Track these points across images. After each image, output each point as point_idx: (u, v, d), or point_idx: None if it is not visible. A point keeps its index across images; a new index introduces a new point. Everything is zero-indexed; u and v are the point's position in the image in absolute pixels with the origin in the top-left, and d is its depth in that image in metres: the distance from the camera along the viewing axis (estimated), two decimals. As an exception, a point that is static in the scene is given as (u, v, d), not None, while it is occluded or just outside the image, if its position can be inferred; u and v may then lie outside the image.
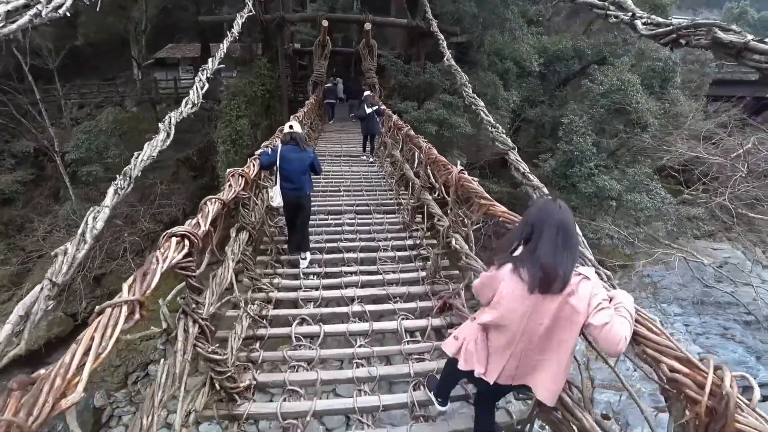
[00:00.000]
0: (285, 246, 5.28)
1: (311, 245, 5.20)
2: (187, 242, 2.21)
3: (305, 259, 4.99)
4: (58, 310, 16.72)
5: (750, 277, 15.20)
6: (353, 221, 6.13)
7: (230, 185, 3.54)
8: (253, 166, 4.29)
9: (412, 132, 6.40)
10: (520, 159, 4.03)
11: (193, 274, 2.47)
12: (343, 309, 4.14)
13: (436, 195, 5.23)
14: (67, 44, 18.28)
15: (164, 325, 3.16)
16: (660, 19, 2.44)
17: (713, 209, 14.84)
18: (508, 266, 1.82)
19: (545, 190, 3.49)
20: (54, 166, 18.16)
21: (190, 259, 2.35)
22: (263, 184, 5.10)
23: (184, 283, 2.46)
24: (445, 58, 6.96)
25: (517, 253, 1.88)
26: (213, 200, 2.95)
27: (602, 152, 13.53)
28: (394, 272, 4.85)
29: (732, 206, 11.13)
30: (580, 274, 1.75)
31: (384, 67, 14.51)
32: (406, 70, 14.02)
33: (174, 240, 2.15)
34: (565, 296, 1.71)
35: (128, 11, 16.93)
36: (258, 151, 4.66)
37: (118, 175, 3.02)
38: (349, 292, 4.37)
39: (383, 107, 9.77)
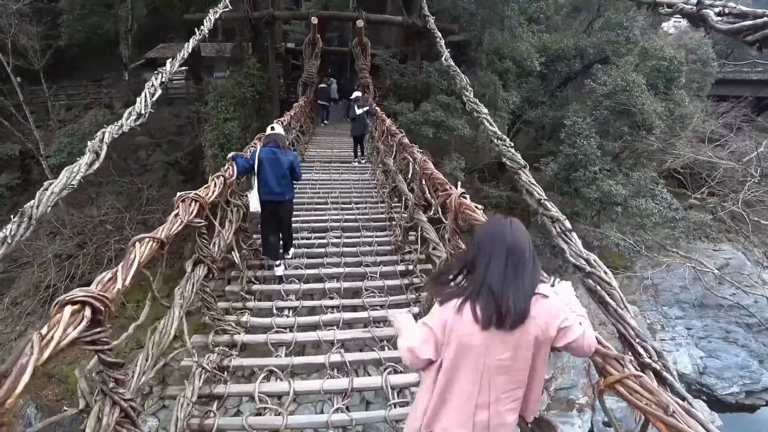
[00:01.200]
0: (258, 273, 4.57)
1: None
2: (88, 312, 1.59)
3: (279, 266, 4.66)
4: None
5: (752, 280, 14.63)
6: (339, 240, 5.40)
7: (177, 215, 2.82)
8: (215, 184, 3.58)
9: (406, 140, 5.66)
10: (533, 182, 3.30)
11: (105, 347, 1.78)
12: (320, 359, 3.42)
13: (432, 213, 4.53)
14: (53, 44, 17.42)
15: (82, 404, 2.43)
16: (744, 8, 1.69)
17: (721, 214, 14.20)
18: (454, 302, 1.52)
19: (566, 223, 2.76)
20: (41, 169, 17.39)
21: (98, 330, 1.69)
22: (235, 201, 4.37)
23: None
24: (443, 58, 6.24)
25: (460, 283, 1.61)
26: (145, 241, 2.24)
27: (606, 155, 12.80)
28: (381, 306, 4.13)
29: (744, 212, 10.44)
30: (535, 294, 1.49)
31: (379, 66, 13.77)
32: (401, 70, 13.25)
33: (68, 310, 1.53)
34: (524, 327, 1.46)
35: (114, 9, 16.10)
36: (230, 154, 4.29)
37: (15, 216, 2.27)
38: (328, 335, 3.65)
39: (375, 108, 9.04)
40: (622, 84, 12.88)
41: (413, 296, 4.26)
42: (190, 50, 4.62)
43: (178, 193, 3.05)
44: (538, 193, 3.23)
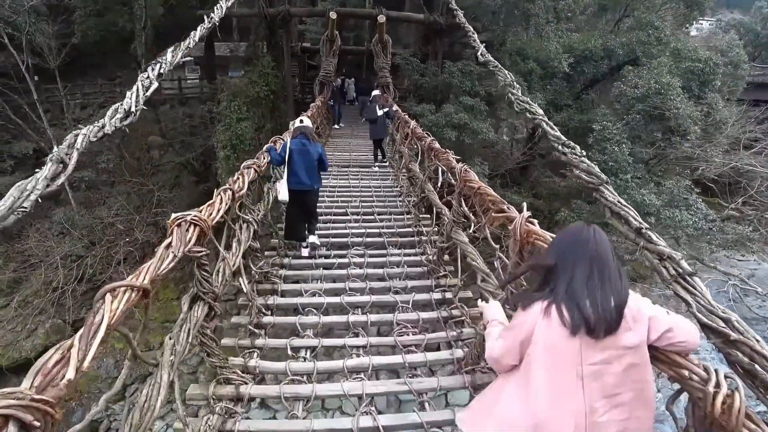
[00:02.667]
0: (270, 300, 3.85)
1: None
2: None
3: (306, 247, 4.86)
4: (55, 318, 15.73)
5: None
6: (362, 260, 4.63)
7: (168, 246, 2.11)
8: (222, 200, 2.85)
9: (436, 144, 4.87)
10: (625, 203, 2.51)
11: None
12: (345, 423, 2.66)
13: (471, 231, 3.76)
14: (68, 43, 16.97)
15: None
16: None
17: (757, 226, 13.15)
18: (539, 305, 1.46)
19: (684, 263, 1.97)
20: (54, 168, 16.95)
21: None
22: (245, 216, 3.67)
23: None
24: (478, 53, 5.43)
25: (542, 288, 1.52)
26: (120, 292, 1.54)
27: (639, 163, 11.85)
28: (417, 346, 3.37)
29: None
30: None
31: (398, 66, 12.98)
32: (422, 70, 12.44)
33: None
34: (620, 336, 1.37)
35: (127, 7, 15.53)
36: (265, 146, 4.47)
37: None
38: (354, 388, 2.89)
39: (395, 109, 8.26)
40: (655, 87, 11.92)
41: (454, 333, 3.49)
42: (197, 40, 3.91)
43: (173, 215, 2.33)
44: (635, 218, 2.44)
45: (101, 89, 18.58)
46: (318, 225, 5.21)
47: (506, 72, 4.76)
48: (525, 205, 2.52)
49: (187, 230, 2.27)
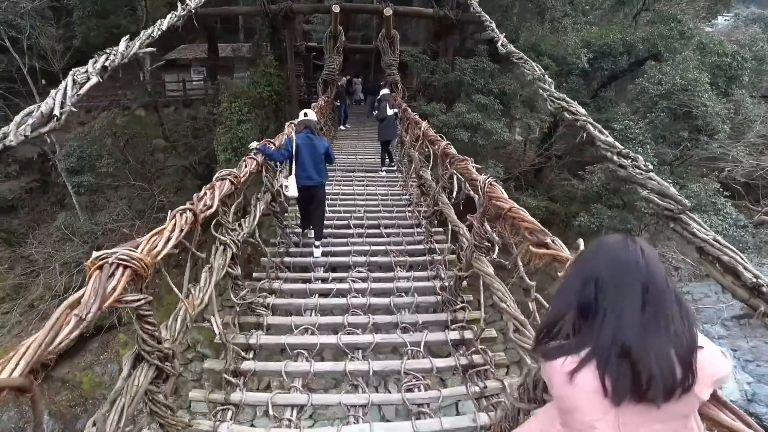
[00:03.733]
0: (252, 339, 3.14)
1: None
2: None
3: (318, 247, 4.62)
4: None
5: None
6: (365, 286, 3.90)
7: (62, 320, 1.42)
8: (176, 225, 2.14)
9: (452, 149, 4.10)
10: (724, 242, 1.74)
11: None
12: None
13: (494, 256, 3.03)
14: (71, 45, 16.51)
15: None
16: None
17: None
18: (560, 362, 1.02)
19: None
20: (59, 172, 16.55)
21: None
22: (222, 237, 2.97)
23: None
24: (499, 44, 4.67)
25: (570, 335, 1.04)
26: None
27: (664, 164, 10.94)
28: (431, 407, 2.63)
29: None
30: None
31: (406, 64, 12.21)
32: (432, 68, 11.63)
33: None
34: (680, 401, 0.95)
35: (133, 8, 14.98)
36: (252, 144, 4.17)
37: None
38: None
39: (405, 107, 7.50)
40: (681, 83, 11.00)
41: (477, 389, 2.73)
42: (163, 28, 3.22)
43: (94, 253, 1.64)
44: (745, 266, 1.67)
45: (106, 92, 18.10)
46: (309, 260, 4.72)
47: (533, 64, 3.98)
48: (581, 243, 1.75)
49: (111, 275, 1.57)
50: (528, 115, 11.21)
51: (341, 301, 3.66)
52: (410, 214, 5.56)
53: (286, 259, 4.35)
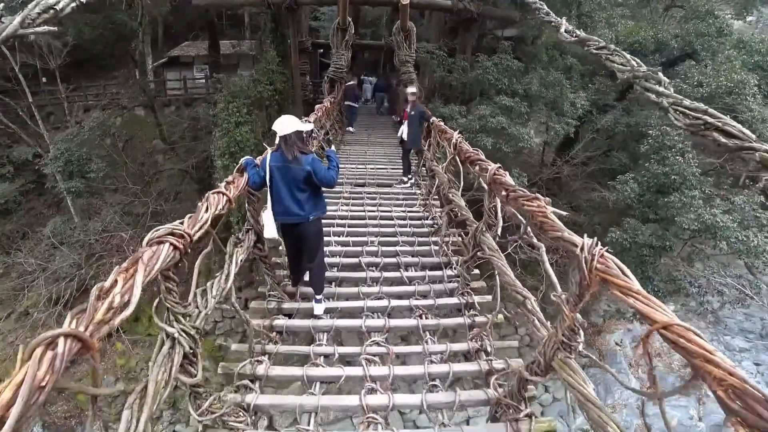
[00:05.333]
0: None
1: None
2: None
3: (320, 301, 3.37)
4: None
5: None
6: (385, 372, 2.68)
7: None
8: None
9: (508, 178, 2.83)
10: None
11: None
12: None
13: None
14: (68, 42, 15.39)
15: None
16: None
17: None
18: None
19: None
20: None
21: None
22: (169, 328, 1.77)
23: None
24: (562, 30, 3.43)
25: None
26: None
27: (708, 176, 9.63)
28: None
29: None
30: None
31: (417, 64, 10.91)
32: (449, 66, 10.32)
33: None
34: None
35: (129, 3, 13.80)
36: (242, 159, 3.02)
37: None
38: None
39: (428, 113, 6.21)
40: (727, 85, 9.66)
41: None
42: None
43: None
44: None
45: (105, 91, 16.99)
46: (326, 277, 3.57)
47: (627, 55, 2.72)
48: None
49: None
50: (553, 118, 9.90)
51: (352, 402, 2.44)
52: (436, 248, 4.32)
53: (277, 322, 3.14)
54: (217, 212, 2.18)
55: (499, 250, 3.01)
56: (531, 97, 10.80)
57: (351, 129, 10.58)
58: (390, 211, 5.36)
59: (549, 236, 2.14)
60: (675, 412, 12.41)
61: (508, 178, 2.80)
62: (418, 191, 6.15)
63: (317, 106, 6.50)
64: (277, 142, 3.14)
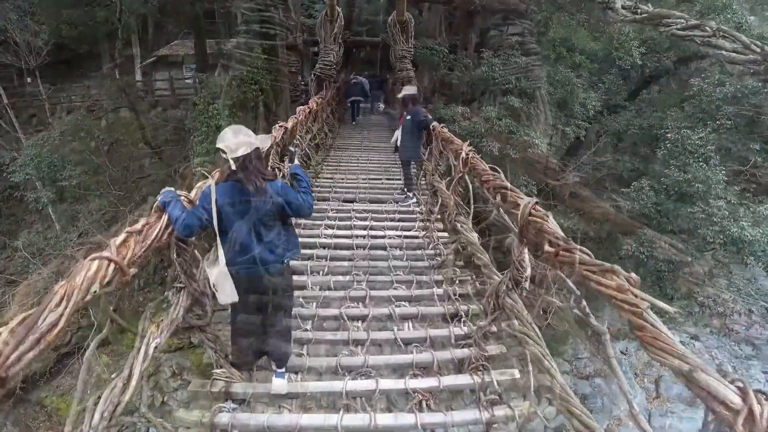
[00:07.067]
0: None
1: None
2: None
3: (282, 374, 2.36)
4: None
5: None
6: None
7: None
8: None
9: (552, 227, 1.85)
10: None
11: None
12: None
13: None
14: (48, 41, 14.34)
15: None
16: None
17: None
18: None
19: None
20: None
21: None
22: None
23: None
24: (617, 5, 2.23)
25: None
26: None
27: (733, 185, 8.66)
28: None
29: None
30: None
31: (415, 62, 9.88)
32: (450, 63, 9.30)
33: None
34: None
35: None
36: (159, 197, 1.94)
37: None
38: None
39: (429, 118, 5.16)
40: (755, 85, 8.70)
41: None
42: None
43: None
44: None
45: (88, 92, 15.91)
46: (292, 345, 2.56)
47: (743, 38, 1.65)
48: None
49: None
50: (565, 122, 8.91)
51: None
52: (439, 291, 3.32)
53: (219, 419, 2.15)
54: (87, 299, 1.24)
55: (533, 325, 2.03)
56: (539, 96, 9.82)
57: (355, 121, 10.59)
58: (383, 236, 4.36)
59: (653, 354, 1.16)
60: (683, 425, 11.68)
61: (554, 225, 1.81)
62: (417, 209, 5.15)
63: (298, 108, 5.46)
64: (225, 167, 2.10)
